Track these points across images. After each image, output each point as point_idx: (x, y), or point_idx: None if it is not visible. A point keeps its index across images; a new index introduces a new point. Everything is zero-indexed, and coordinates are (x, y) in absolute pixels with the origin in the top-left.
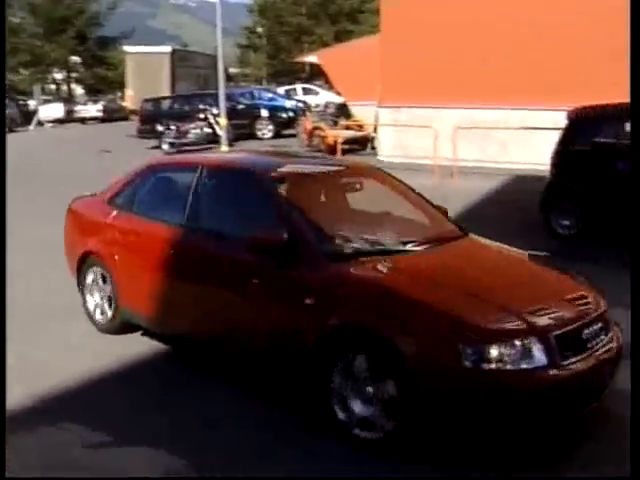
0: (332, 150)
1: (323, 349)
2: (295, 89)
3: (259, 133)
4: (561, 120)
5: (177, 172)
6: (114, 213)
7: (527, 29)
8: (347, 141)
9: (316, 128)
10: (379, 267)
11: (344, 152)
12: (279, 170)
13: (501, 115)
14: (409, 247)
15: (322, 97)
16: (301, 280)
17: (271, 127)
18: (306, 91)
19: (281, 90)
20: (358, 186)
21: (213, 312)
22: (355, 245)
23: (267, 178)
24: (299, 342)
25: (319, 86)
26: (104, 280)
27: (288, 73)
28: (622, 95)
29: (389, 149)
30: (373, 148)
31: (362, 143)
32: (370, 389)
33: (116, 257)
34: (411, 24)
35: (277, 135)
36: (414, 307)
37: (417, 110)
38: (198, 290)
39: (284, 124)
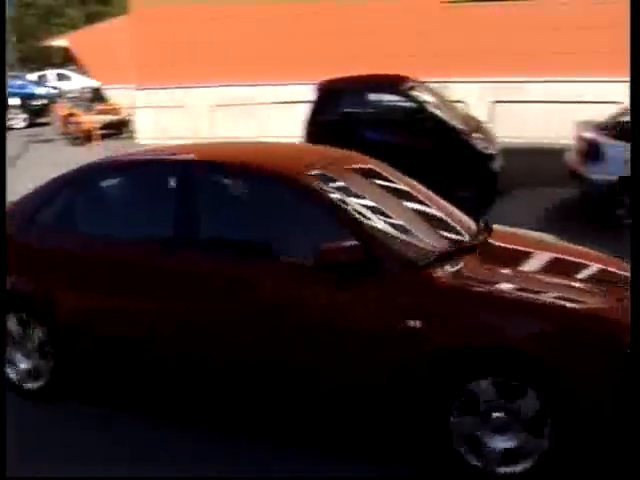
0: (88, 136)
1: (437, 379)
2: (46, 75)
3: (11, 123)
4: (311, 93)
5: (142, 175)
6: (41, 234)
7: (275, 9)
8: (104, 126)
9: (71, 114)
10: (469, 273)
11: (103, 137)
12: (314, 168)
13: (257, 91)
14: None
15: (76, 82)
16: (396, 299)
17: (24, 116)
18: (60, 77)
19: (33, 76)
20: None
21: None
22: (433, 249)
23: (308, 179)
24: (398, 376)
25: (73, 71)
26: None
27: (39, 59)
28: (365, 69)
29: (149, 132)
30: (131, 132)
31: (118, 127)
32: (502, 415)
33: (56, 294)
34: (160, 2)
35: (32, 124)
36: (545, 309)
37: (174, 90)
38: (225, 322)
39: (37, 112)
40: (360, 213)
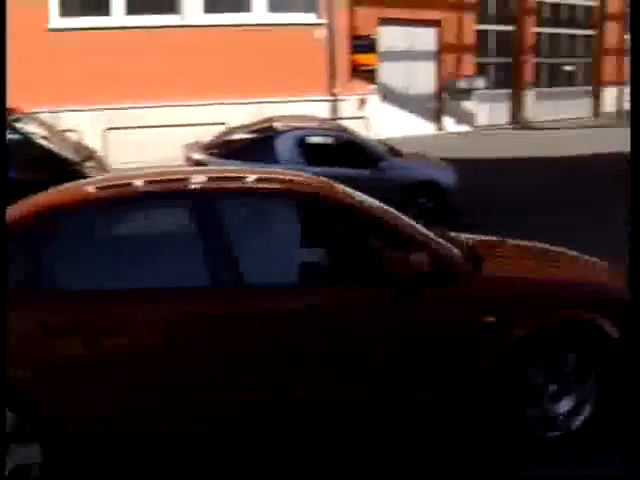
0: None
1: (512, 367)
2: None
3: None
4: None
5: (143, 209)
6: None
7: None
8: None
9: None
10: (507, 268)
11: None
12: (341, 188)
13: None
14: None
15: None
16: (471, 299)
17: None
18: None
19: None
20: None
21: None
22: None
23: (343, 197)
24: (477, 371)
25: None
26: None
27: None
28: None
29: None
30: None
31: None
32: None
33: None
34: None
35: None
36: (596, 288)
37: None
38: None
39: None
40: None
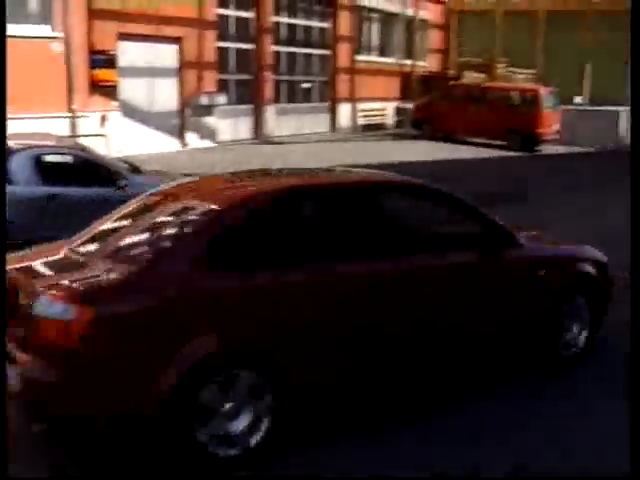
0: None
1: (557, 301)
2: None
3: None
4: None
5: (322, 198)
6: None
7: None
8: None
9: None
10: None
11: None
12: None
13: None
14: None
15: None
16: (529, 258)
17: None
18: None
19: None
20: None
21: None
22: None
23: (447, 192)
24: (539, 310)
25: None
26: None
27: None
28: None
29: None
30: None
31: None
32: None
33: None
34: None
35: None
36: (581, 252)
37: None
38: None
39: None
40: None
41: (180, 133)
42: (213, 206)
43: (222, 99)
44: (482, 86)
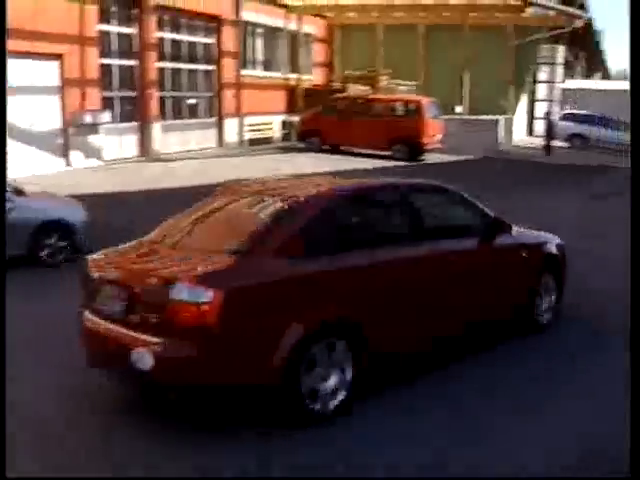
0: None
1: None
2: None
3: None
4: None
5: (374, 196)
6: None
7: None
8: None
9: None
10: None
11: None
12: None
13: None
14: None
15: None
16: (516, 241)
17: None
18: None
19: None
20: None
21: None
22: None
23: (454, 190)
24: (524, 283)
25: None
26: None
27: None
28: None
29: None
30: None
31: None
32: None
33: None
34: None
35: None
36: (546, 237)
37: None
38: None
39: None
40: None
41: (64, 153)
42: (302, 202)
43: (106, 117)
44: (366, 98)
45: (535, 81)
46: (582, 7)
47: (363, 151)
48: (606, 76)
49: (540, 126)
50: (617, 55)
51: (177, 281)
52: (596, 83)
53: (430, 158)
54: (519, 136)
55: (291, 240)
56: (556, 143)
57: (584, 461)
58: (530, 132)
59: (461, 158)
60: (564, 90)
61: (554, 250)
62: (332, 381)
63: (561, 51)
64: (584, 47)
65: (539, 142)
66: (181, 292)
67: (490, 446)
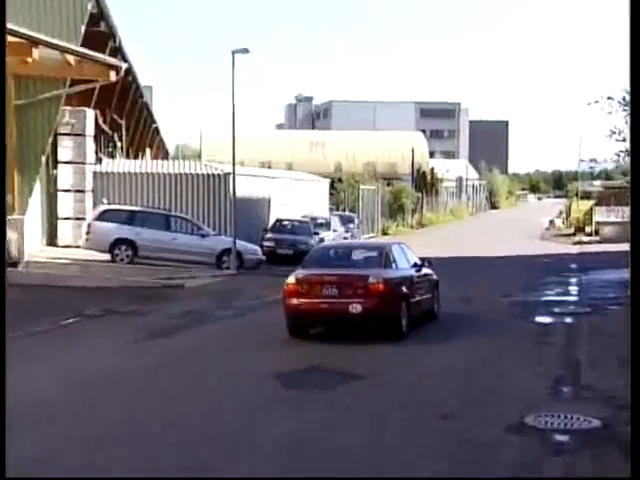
0: None
1: None
2: None
3: None
4: None
5: None
6: None
7: None
8: None
9: None
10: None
11: None
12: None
13: None
14: None
15: None
16: (433, 271)
17: None
18: None
19: None
20: None
21: None
22: None
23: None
24: (431, 294)
25: None
26: None
27: None
28: None
29: None
30: None
31: None
32: None
33: None
34: None
35: None
36: None
37: None
38: None
39: None
40: None
41: None
42: (379, 247)
43: None
44: None
45: (56, 162)
46: (123, 57)
47: None
48: (165, 155)
49: (68, 230)
50: (172, 125)
51: (370, 277)
52: (146, 163)
53: None
54: (36, 246)
55: (381, 264)
56: (96, 255)
57: None
58: (51, 240)
59: None
60: (97, 174)
61: (435, 277)
62: (404, 321)
63: (90, 117)
64: (131, 112)
65: (71, 253)
66: (371, 281)
67: None
